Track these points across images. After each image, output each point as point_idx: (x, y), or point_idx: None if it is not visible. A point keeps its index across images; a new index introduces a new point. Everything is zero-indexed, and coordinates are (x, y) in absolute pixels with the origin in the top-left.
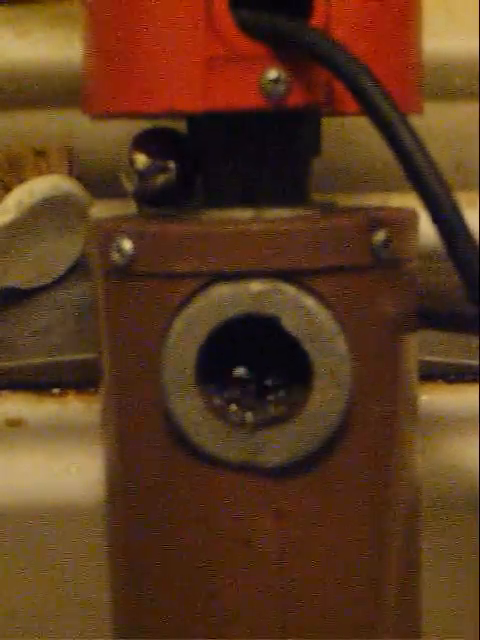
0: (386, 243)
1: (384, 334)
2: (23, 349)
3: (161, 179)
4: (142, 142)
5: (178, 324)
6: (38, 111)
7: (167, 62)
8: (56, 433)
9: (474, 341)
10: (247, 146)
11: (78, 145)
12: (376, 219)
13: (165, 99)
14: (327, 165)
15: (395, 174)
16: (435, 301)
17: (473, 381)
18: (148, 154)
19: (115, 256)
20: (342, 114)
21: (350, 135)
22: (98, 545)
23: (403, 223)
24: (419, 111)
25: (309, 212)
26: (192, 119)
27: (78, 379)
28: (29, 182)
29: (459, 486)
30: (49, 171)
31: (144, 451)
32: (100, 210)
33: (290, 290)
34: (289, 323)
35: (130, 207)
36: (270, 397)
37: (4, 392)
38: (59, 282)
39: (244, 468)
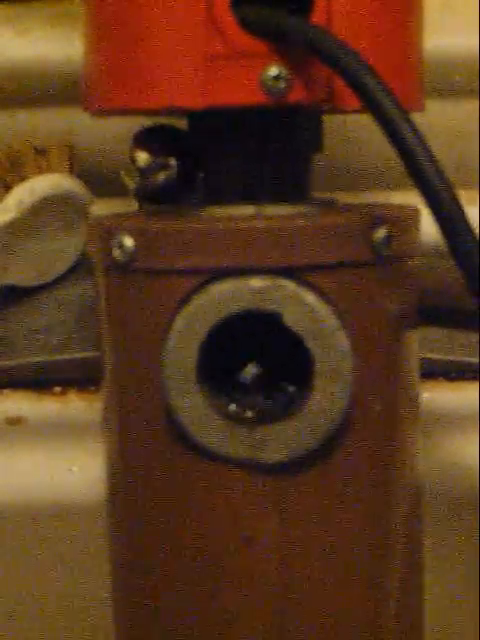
0: (387, 240)
1: (385, 330)
2: (24, 347)
3: (162, 176)
4: (143, 139)
5: (179, 321)
6: (38, 109)
7: (168, 58)
8: (57, 431)
9: (474, 338)
10: (248, 143)
11: (79, 143)
12: (377, 216)
13: (166, 95)
14: (328, 162)
15: (396, 171)
16: (436, 298)
17: (474, 379)
18: (149, 151)
19: (116, 253)
20: (343, 111)
21: (351, 132)
22: (99, 544)
23: (404, 220)
24: (420, 109)
25: (310, 209)
26: (193, 116)
27: (79, 377)
28: (29, 180)
29: (459, 484)
30: (49, 169)
31: (145, 448)
32: (101, 208)
33: (291, 286)
34: (290, 319)
35: (131, 205)
36: (271, 394)
37: (4, 391)
38: (60, 281)
39: (245, 465)
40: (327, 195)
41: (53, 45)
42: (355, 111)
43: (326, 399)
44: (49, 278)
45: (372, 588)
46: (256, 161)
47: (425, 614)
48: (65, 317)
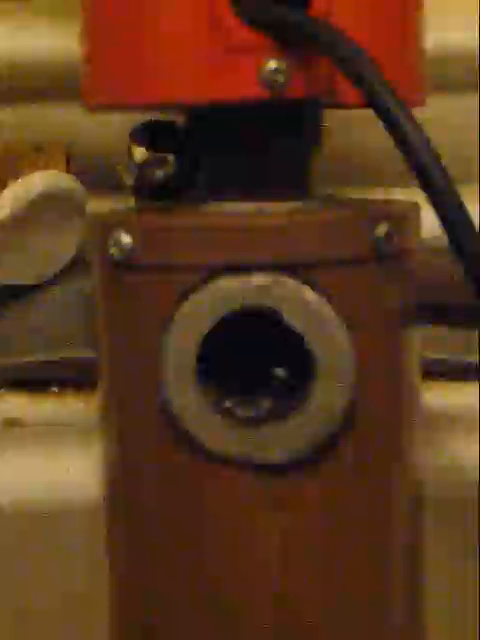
0: (388, 236)
1: (385, 327)
2: (20, 346)
3: (160, 172)
4: (140, 135)
5: (178, 318)
6: (36, 106)
7: (167, 53)
8: (54, 432)
9: (474, 338)
10: (247, 137)
11: (75, 140)
12: (378, 212)
13: (165, 90)
14: (329, 159)
15: (397, 168)
16: (436, 295)
17: (474, 379)
18: (146, 147)
19: (113, 250)
20: (343, 106)
21: (352, 128)
22: (97, 544)
23: (405, 217)
24: (421, 104)
25: (310, 205)
26: (192, 111)
27: (76, 377)
28: (26, 177)
29: (460, 484)
30: (46, 166)
31: (144, 447)
32: (98, 205)
33: (291, 283)
34: (290, 316)
35: (128, 201)
36: (271, 392)
37: (1, 391)
38: (57, 278)
39: (245, 464)
40: (327, 191)
41: (51, 41)
42: (355, 106)
43: (327, 397)
44: (46, 276)
45: (372, 586)
46: (256, 156)
47: (425, 614)
48: (62, 315)
